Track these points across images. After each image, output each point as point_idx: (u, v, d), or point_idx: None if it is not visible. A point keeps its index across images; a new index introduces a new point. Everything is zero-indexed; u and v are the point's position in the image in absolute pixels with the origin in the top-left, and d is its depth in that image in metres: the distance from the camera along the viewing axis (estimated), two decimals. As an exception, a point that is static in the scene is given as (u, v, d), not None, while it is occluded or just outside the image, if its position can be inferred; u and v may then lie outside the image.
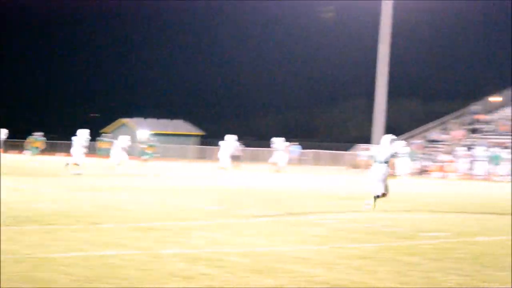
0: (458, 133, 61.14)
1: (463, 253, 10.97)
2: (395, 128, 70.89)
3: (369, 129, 63.90)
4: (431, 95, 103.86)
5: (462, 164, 49.44)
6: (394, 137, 19.77)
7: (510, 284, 8.62)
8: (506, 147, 51.11)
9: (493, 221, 16.42)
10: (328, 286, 8.20)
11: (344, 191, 26.58)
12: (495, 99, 68.52)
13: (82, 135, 32.95)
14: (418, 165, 50.63)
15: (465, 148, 52.37)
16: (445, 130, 63.17)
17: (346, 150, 60.05)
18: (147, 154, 48.46)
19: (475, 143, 56.16)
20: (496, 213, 18.93)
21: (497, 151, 48.58)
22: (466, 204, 22.45)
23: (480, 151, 49.56)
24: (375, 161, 18.96)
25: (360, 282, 8.45)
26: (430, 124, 64.28)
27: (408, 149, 47.12)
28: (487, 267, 9.70)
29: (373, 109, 63.37)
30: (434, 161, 51.28)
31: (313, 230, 13.44)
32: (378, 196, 18.65)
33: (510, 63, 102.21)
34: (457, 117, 65.33)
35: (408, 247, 11.53)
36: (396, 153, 19.83)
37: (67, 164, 32.41)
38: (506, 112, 65.53)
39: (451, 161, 50.01)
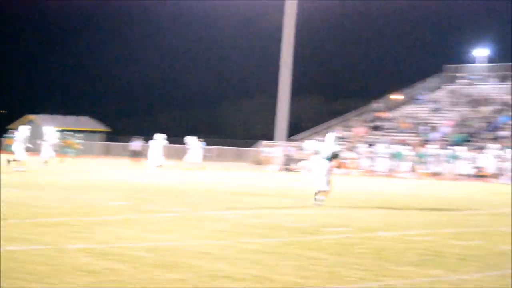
0: (360, 130, 62.24)
1: (365, 248, 11.16)
2: (298, 125, 71.65)
3: (273, 126, 64.34)
4: (334, 93, 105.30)
5: (364, 161, 50.32)
6: (338, 135, 20.81)
7: (411, 278, 8.83)
8: (407, 144, 52.28)
9: (394, 217, 16.77)
10: (231, 281, 8.24)
11: (248, 187, 26.70)
12: (396, 97, 70.11)
13: (23, 131, 32.26)
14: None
15: (367, 145, 53.32)
16: (348, 128, 64.15)
17: (250, 146, 60.31)
18: (69, 150, 48.32)
19: (377, 140, 57.29)
20: (397, 208, 19.34)
21: (398, 148, 49.61)
22: (368, 200, 22.87)
23: (381, 148, 50.53)
24: (319, 157, 19.64)
25: (262, 277, 8.50)
26: (333, 122, 65.17)
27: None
28: (388, 262, 9.89)
29: (277, 107, 63.88)
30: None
31: (217, 225, 13.47)
32: (319, 192, 19.37)
33: (410, 62, 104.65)
34: (359, 115, 66.51)
35: (311, 242, 11.66)
36: (340, 150, 20.80)
37: (9, 161, 31.87)
38: (407, 109, 67.08)
39: (354, 158, 50.82)
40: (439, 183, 39.81)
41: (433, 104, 65.92)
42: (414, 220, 16.07)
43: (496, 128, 57.35)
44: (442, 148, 49.23)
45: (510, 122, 57.51)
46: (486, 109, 61.44)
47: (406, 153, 48.46)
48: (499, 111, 60.85)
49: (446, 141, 54.90)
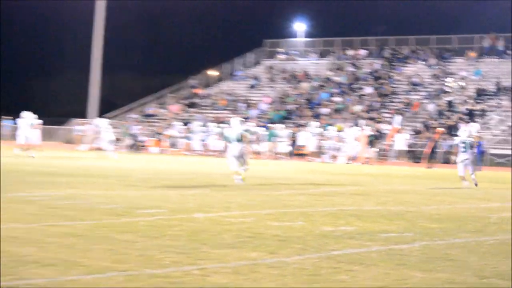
0: (175, 107, 62.31)
1: (180, 230, 11.12)
2: (111, 102, 70.70)
3: (84, 103, 63.29)
4: (149, 69, 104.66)
5: (180, 139, 50.45)
6: (242, 119, 24.94)
7: (228, 262, 8.86)
8: (223, 122, 52.78)
9: (210, 197, 16.85)
10: (40, 266, 7.97)
11: (58, 168, 26.08)
12: (213, 73, 70.58)
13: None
14: (132, 140, 50.96)
15: (182, 123, 53.46)
16: (162, 105, 64.08)
17: (61, 124, 59.07)
18: None
19: (193, 117, 57.58)
20: (214, 188, 19.47)
21: (215, 126, 50.00)
22: (183, 179, 22.91)
23: (197, 126, 50.82)
24: (229, 141, 22.33)
25: (72, 261, 8.27)
26: (147, 98, 64.91)
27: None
28: (204, 245, 9.88)
29: (88, 83, 62.84)
30: (151, 136, 51.84)
31: (24, 208, 13.04)
32: (237, 172, 21.92)
33: (229, 37, 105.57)
34: (174, 91, 66.53)
35: (123, 225, 11.50)
36: (247, 130, 23.77)
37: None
38: (224, 86, 67.76)
39: (169, 136, 50.86)
40: (258, 162, 40.56)
41: (252, 80, 67.01)
42: (232, 200, 16.21)
43: (316, 105, 59.13)
44: (259, 126, 50.13)
45: (330, 98, 59.46)
46: (306, 86, 63.17)
47: (217, 130, 48.86)
48: (319, 88, 62.74)
49: (265, 118, 56.03)
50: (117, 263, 8.35)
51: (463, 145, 24.32)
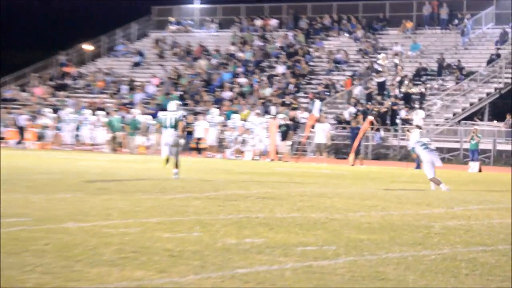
0: (40, 90, 61.58)
1: (46, 244, 10.99)
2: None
3: None
4: (4, 42, 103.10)
5: (47, 130, 49.87)
6: (179, 102, 27.75)
7: (108, 283, 8.81)
8: (102, 109, 52.46)
9: (84, 202, 16.72)
10: None
11: None
12: (88, 47, 69.93)
13: None
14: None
15: (51, 110, 52.90)
16: (24, 86, 63.32)
17: None
18: None
19: (63, 102, 57.03)
20: (89, 192, 19.32)
21: (90, 113, 49.63)
22: (50, 180, 22.67)
23: (68, 113, 50.34)
24: (163, 127, 25.14)
25: None
26: (5, 78, 64.03)
27: None
28: (77, 262, 9.78)
29: None
30: (9, 125, 51.15)
31: None
32: (167, 160, 24.98)
33: (108, 3, 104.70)
34: (39, 70, 65.76)
35: (-27, 239, 11.33)
36: (182, 116, 25.79)
37: None
38: (102, 63, 67.31)
39: (33, 126, 50.24)
40: (145, 158, 40.43)
41: (136, 57, 66.71)
42: (113, 206, 16.12)
43: (217, 88, 59.18)
44: (146, 114, 49.95)
45: (234, 80, 59.54)
46: (203, 63, 63.19)
47: (104, 120, 48.65)
48: (220, 66, 62.82)
49: (153, 104, 55.83)
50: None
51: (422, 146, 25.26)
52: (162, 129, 25.42)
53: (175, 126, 24.96)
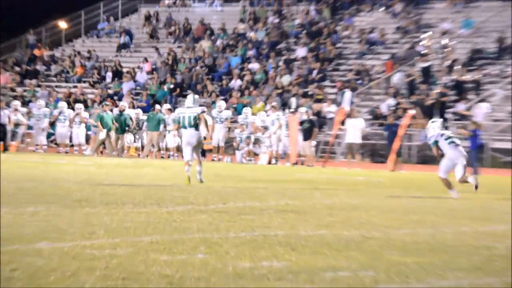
0: (4, 77, 61.78)
1: (14, 270, 10.98)
2: None
3: None
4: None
5: (18, 129, 49.91)
6: (196, 96, 28.07)
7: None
8: (79, 101, 52.61)
9: (61, 217, 16.70)
10: None
11: None
12: (63, 25, 70.12)
13: None
14: None
15: (18, 102, 52.92)
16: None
17: None
18: None
19: (33, 93, 57.26)
20: (66, 201, 19.32)
21: (66, 106, 49.66)
22: (19, 190, 22.68)
23: (39, 106, 50.35)
24: (182, 127, 26.29)
25: None
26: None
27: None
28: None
29: None
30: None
31: None
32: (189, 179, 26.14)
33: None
34: (2, 52, 65.97)
35: None
36: (203, 112, 26.42)
37: None
38: (81, 44, 67.48)
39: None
40: (137, 163, 40.48)
41: (123, 37, 66.80)
42: (97, 222, 16.09)
43: (224, 75, 59.17)
44: (137, 107, 50.01)
45: (241, 65, 59.50)
46: (206, 45, 63.22)
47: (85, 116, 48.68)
48: (227, 49, 62.78)
49: (144, 96, 55.87)
50: None
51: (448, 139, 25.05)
52: (182, 130, 26.72)
53: (196, 126, 26.14)
